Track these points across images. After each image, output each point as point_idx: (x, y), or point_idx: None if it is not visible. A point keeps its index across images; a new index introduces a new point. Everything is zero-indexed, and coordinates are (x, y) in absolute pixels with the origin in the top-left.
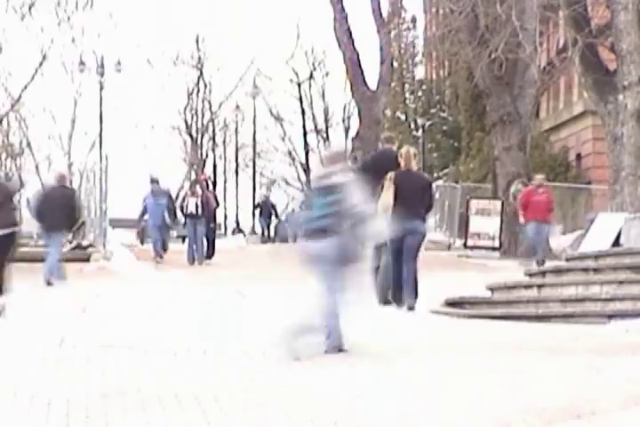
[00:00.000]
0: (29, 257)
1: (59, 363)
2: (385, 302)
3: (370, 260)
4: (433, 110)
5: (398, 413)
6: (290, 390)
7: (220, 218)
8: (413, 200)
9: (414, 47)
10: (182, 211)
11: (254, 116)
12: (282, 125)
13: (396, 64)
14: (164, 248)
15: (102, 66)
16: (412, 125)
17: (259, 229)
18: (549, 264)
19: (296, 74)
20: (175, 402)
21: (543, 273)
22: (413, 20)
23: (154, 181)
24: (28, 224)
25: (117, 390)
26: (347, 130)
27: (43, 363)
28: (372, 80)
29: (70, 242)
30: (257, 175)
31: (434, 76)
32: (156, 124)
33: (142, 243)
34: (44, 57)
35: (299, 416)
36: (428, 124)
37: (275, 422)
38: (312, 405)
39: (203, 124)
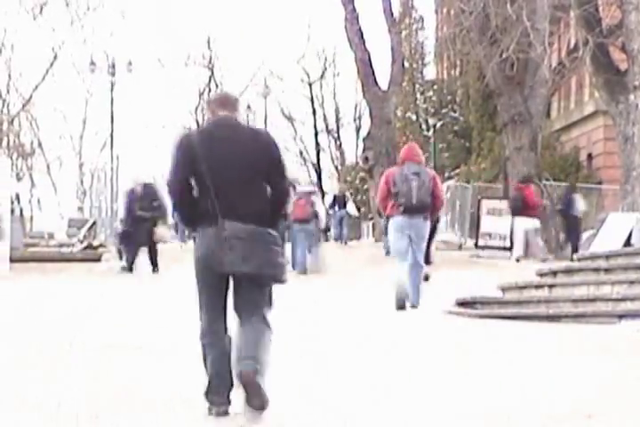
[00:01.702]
0: (39, 257)
1: (68, 362)
2: None
3: None
4: (444, 110)
5: (406, 413)
6: (297, 390)
7: None
8: None
9: (424, 47)
10: None
11: (265, 116)
12: (293, 125)
13: (407, 64)
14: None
15: (113, 66)
16: (423, 125)
17: None
18: (561, 264)
19: (307, 74)
20: (184, 401)
21: (554, 273)
22: (421, 19)
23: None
24: (38, 224)
25: (126, 389)
26: (358, 130)
27: (52, 362)
28: (383, 80)
29: (81, 242)
30: None
31: (445, 76)
32: (168, 124)
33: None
34: (55, 57)
35: (307, 416)
36: (439, 124)
37: (283, 422)
38: (320, 405)
39: None
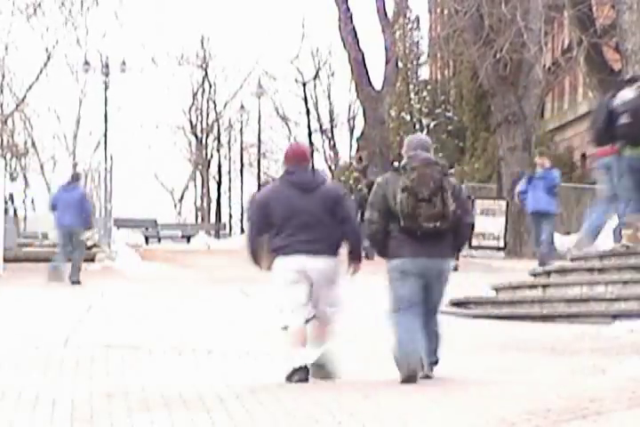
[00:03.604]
0: (33, 257)
1: (63, 363)
2: None
3: None
4: (438, 110)
5: (403, 413)
6: (295, 390)
7: (224, 218)
8: None
9: (418, 47)
10: None
11: (259, 116)
12: (287, 125)
13: (400, 64)
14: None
15: (107, 66)
16: (417, 126)
17: None
18: (554, 264)
19: (301, 74)
20: (180, 402)
21: (548, 273)
22: (417, 19)
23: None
24: (32, 224)
25: (122, 389)
26: (352, 130)
27: (47, 363)
28: (377, 80)
29: None
30: (262, 175)
31: (439, 77)
32: (161, 124)
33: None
34: (49, 57)
35: (304, 417)
36: (432, 124)
37: (280, 422)
38: (317, 405)
39: (207, 124)
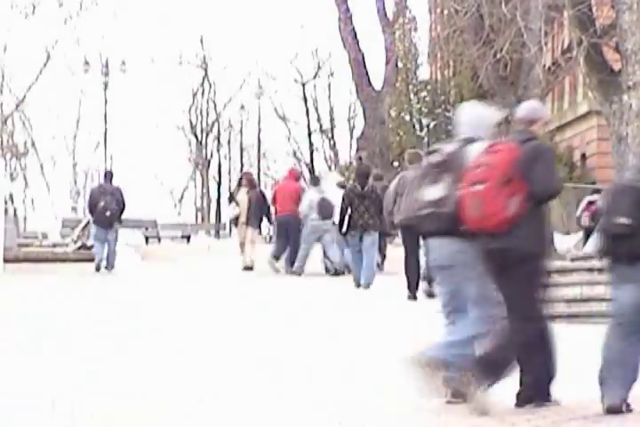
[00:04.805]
0: (33, 257)
1: (63, 363)
2: None
3: None
4: (437, 110)
5: (403, 412)
6: (292, 392)
7: (224, 218)
8: None
9: (416, 48)
10: None
11: (259, 117)
12: (287, 125)
13: (400, 64)
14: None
15: (107, 66)
16: (417, 126)
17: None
18: (554, 264)
19: (300, 74)
20: (181, 404)
21: (547, 273)
22: (414, 19)
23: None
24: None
25: (123, 391)
26: (352, 130)
27: (47, 363)
28: (377, 80)
29: (75, 242)
30: (261, 175)
31: (438, 77)
32: (161, 124)
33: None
34: (49, 57)
35: (302, 418)
36: (432, 124)
37: (277, 424)
38: (316, 405)
39: (207, 125)
